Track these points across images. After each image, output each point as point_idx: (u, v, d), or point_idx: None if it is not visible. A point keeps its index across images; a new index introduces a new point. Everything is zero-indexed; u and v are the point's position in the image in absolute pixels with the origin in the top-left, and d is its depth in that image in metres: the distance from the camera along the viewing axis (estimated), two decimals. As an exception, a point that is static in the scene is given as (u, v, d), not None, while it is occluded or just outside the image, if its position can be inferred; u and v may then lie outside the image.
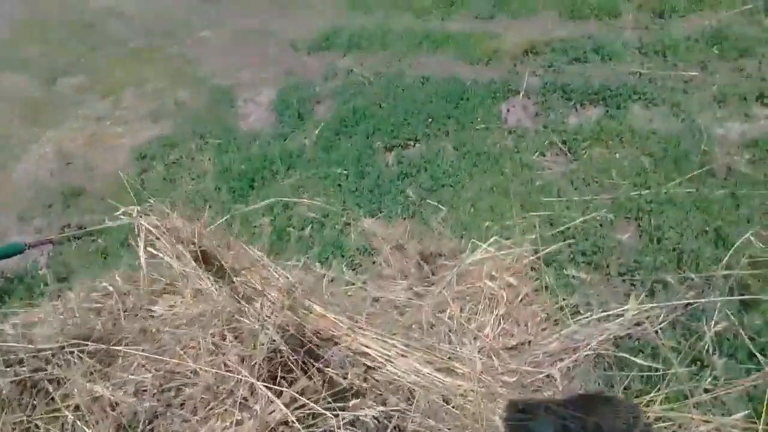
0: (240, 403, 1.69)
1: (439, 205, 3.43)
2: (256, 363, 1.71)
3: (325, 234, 3.52)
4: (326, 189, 3.84)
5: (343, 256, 3.33)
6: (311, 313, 2.06)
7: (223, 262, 2.08)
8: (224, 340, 1.74)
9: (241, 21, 6.62)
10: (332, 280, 3.09)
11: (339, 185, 3.82)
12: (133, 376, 1.91)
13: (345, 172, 3.86)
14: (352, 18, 5.63)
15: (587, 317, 2.31)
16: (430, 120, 3.99)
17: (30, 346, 2.00)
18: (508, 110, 3.89)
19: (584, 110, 3.68)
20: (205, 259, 2.13)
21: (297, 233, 3.57)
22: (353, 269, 3.22)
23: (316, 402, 1.72)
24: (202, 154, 4.65)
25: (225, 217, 3.76)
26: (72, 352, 1.97)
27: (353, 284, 2.96)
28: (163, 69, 6.14)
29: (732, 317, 2.13)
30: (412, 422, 1.84)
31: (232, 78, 5.55)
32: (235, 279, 2.06)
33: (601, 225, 2.96)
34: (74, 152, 5.24)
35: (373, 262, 3.19)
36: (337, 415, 1.73)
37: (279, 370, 1.79)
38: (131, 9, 8.32)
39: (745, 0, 3.82)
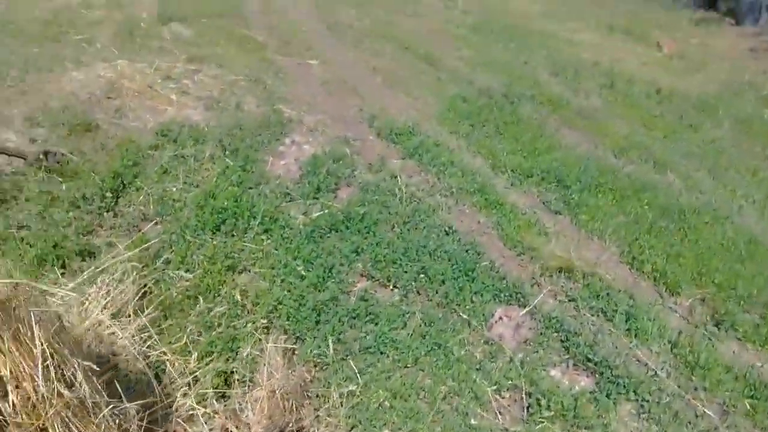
0: None
1: (358, 376, 2.89)
2: None
3: (213, 313, 3.09)
4: (276, 277, 3.39)
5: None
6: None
7: None
8: None
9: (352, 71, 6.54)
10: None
11: (290, 283, 3.36)
12: None
13: (304, 273, 3.42)
14: (446, 134, 5.33)
15: None
16: (422, 275, 3.51)
17: None
18: (500, 317, 3.34)
19: (574, 373, 3.07)
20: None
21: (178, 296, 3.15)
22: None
23: None
24: (212, 164, 4.40)
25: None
26: None
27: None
28: (264, 68, 6.12)
29: None
30: None
31: (300, 110, 5.38)
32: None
33: None
34: (121, 93, 5.19)
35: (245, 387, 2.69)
36: None
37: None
38: None
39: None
